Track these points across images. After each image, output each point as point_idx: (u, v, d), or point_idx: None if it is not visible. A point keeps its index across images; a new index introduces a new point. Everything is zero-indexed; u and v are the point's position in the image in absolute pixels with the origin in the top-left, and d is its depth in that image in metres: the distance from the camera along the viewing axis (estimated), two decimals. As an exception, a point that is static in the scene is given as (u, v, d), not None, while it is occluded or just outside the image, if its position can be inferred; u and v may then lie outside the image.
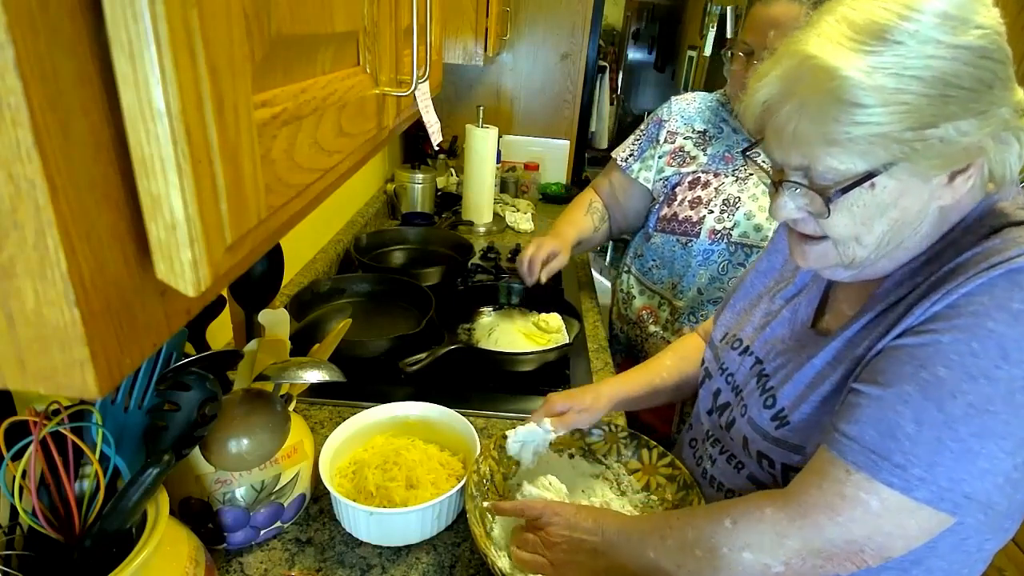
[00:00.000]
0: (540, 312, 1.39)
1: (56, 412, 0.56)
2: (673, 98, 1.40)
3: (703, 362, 0.91)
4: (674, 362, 0.98)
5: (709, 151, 1.29)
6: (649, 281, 1.39)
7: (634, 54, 6.68)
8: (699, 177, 1.28)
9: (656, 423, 1.35)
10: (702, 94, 1.38)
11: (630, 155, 1.40)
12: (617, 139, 6.33)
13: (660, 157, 1.34)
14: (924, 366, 0.54)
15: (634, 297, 1.43)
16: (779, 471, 0.70)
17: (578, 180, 2.78)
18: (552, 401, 0.91)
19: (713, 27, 4.72)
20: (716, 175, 1.27)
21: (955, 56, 0.51)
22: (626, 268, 1.47)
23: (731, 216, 1.22)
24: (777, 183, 0.62)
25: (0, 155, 0.21)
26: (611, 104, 5.57)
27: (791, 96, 0.57)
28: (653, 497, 0.90)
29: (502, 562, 0.76)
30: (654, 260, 1.36)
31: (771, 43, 0.92)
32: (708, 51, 4.86)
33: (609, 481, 0.94)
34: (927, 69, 0.51)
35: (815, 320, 0.76)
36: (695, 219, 1.25)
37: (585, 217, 1.42)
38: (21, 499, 0.55)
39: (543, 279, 1.31)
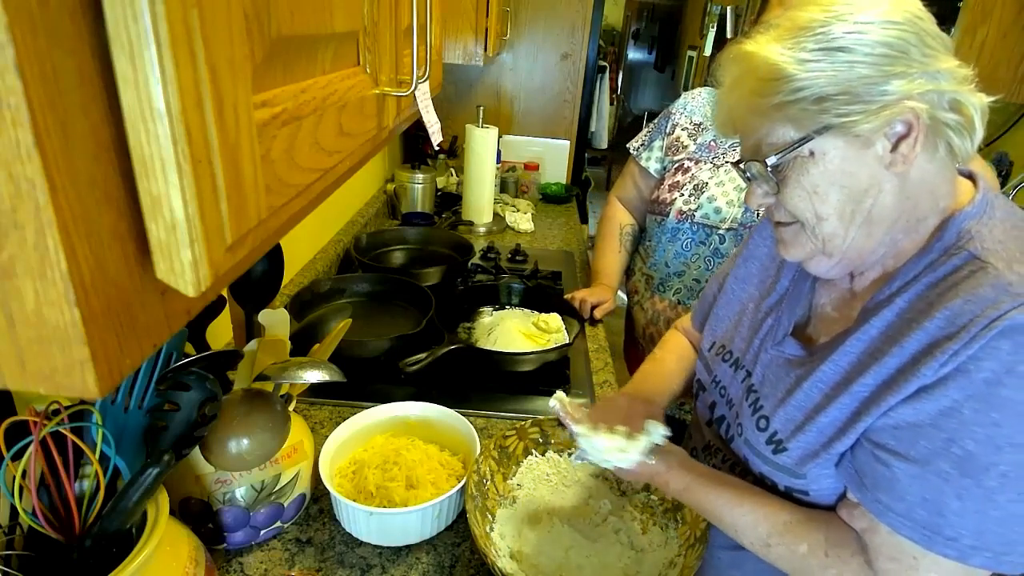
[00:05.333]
0: (540, 312, 1.39)
1: (56, 412, 0.56)
2: (684, 93, 1.50)
3: (695, 373, 0.93)
4: (679, 365, 1.00)
5: (698, 140, 1.40)
6: (642, 257, 1.52)
7: (634, 54, 6.68)
8: (683, 164, 1.40)
9: None
10: (709, 89, 1.46)
11: (641, 144, 1.51)
12: (617, 139, 6.35)
13: (662, 148, 1.46)
14: (953, 440, 0.57)
15: (633, 273, 1.56)
16: (783, 492, 0.72)
17: (578, 180, 2.77)
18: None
19: (713, 27, 4.71)
20: (697, 162, 1.38)
21: (859, 29, 0.57)
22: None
23: (696, 199, 1.34)
24: (744, 173, 0.68)
25: (0, 155, 0.21)
26: (611, 104, 5.57)
27: (733, 91, 0.66)
28: (653, 497, 0.90)
29: (502, 562, 0.76)
30: (647, 239, 1.50)
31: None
32: (708, 51, 4.85)
33: (609, 481, 0.94)
34: (834, 41, 0.57)
35: (802, 327, 0.76)
36: (669, 200, 1.38)
37: (620, 254, 1.55)
38: (21, 499, 0.55)
39: (597, 315, 1.46)
